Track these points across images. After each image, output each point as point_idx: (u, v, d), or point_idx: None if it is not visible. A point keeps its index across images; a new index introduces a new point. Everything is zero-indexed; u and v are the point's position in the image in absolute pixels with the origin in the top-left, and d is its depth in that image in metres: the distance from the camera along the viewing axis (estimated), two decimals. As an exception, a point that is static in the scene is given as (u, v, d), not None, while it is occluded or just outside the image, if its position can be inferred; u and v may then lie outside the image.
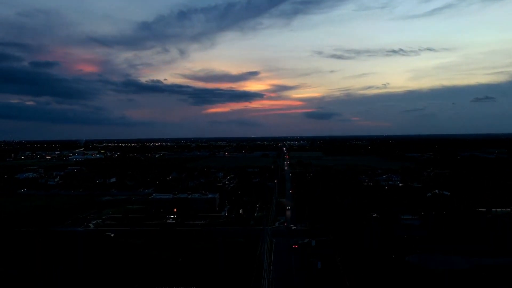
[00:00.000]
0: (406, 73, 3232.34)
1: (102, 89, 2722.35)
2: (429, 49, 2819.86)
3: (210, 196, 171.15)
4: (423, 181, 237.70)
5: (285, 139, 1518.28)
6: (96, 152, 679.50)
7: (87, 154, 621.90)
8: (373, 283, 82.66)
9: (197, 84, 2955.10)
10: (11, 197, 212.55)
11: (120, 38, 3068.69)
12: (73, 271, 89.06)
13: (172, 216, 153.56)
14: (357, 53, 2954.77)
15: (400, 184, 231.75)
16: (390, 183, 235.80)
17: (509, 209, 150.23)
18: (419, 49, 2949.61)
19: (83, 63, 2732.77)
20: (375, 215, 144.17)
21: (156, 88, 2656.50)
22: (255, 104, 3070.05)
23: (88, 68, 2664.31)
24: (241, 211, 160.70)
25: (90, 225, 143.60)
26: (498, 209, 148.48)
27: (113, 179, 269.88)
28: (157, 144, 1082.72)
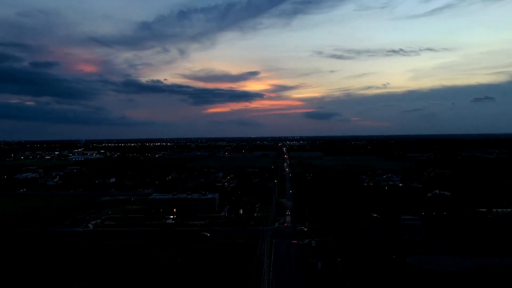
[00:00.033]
0: (406, 73, 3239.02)
1: (102, 89, 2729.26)
2: (429, 49, 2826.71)
3: (209, 196, 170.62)
4: (423, 181, 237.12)
5: (285, 139, 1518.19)
6: (96, 152, 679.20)
7: (86, 154, 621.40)
8: (373, 284, 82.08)
9: (197, 84, 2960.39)
10: (10, 197, 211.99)
11: (120, 38, 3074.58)
12: (72, 272, 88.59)
13: (172, 217, 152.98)
14: (357, 53, 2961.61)
15: (400, 184, 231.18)
16: (390, 183, 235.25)
17: (509, 210, 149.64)
18: (419, 49, 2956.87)
19: (83, 63, 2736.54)
20: (375, 215, 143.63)
21: (156, 88, 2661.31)
22: (255, 104, 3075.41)
23: (88, 68, 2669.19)
24: (241, 211, 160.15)
25: (89, 225, 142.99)
26: (498, 210, 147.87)
27: (113, 179, 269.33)
28: (157, 144, 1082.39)
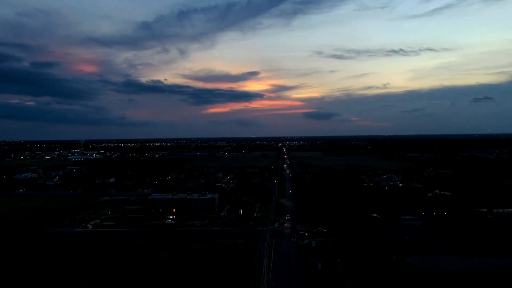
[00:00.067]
0: (406, 73, 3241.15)
1: (103, 89, 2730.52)
2: (429, 49, 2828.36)
3: (209, 196, 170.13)
4: (423, 181, 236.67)
5: (285, 139, 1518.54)
6: (96, 152, 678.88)
7: (86, 154, 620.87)
8: (374, 284, 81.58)
9: (197, 84, 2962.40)
10: (9, 197, 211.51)
11: (120, 38, 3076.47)
12: (71, 272, 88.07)
13: (171, 217, 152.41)
14: (357, 53, 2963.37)
15: (401, 185, 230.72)
16: (390, 183, 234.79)
17: (510, 210, 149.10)
18: (419, 49, 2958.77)
19: (83, 63, 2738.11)
20: (375, 215, 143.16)
21: (156, 88, 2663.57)
22: (255, 104, 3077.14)
23: (88, 68, 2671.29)
24: (241, 211, 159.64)
25: (89, 225, 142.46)
26: (499, 210, 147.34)
27: (112, 180, 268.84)
28: (156, 144, 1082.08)
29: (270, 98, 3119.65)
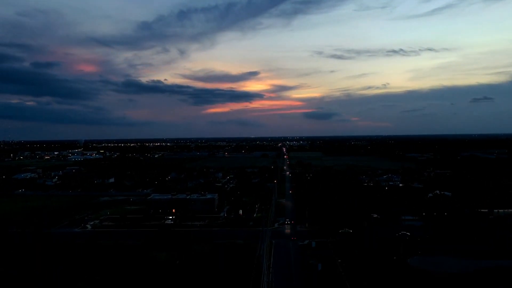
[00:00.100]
0: (406, 73, 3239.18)
1: (103, 89, 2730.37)
2: (429, 49, 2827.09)
3: (209, 196, 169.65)
4: (423, 182, 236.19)
5: (285, 139, 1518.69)
6: (95, 152, 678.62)
7: (86, 154, 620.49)
8: (374, 285, 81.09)
9: (197, 84, 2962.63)
10: (8, 197, 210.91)
11: (120, 38, 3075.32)
12: (70, 273, 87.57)
13: (171, 217, 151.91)
14: (357, 53, 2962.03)
15: (401, 185, 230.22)
16: (390, 183, 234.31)
17: (511, 210, 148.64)
18: (419, 49, 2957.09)
19: (83, 63, 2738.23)
20: (375, 216, 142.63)
21: (156, 88, 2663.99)
22: (255, 104, 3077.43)
23: (88, 68, 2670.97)
24: (240, 211, 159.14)
25: (88, 226, 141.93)
26: (500, 210, 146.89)
27: (112, 180, 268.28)
28: (156, 144, 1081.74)
29: (270, 98, 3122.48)
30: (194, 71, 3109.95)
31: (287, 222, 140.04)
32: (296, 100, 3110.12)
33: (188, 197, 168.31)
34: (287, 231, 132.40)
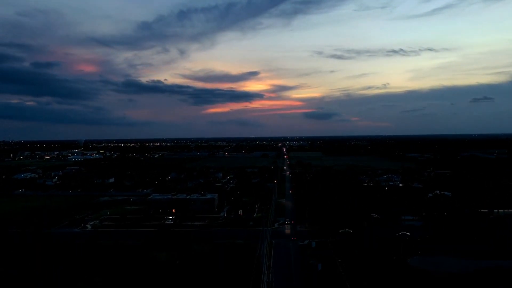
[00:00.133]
0: (406, 73, 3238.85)
1: (103, 89, 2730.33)
2: (429, 49, 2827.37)
3: (209, 196, 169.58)
4: (423, 182, 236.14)
5: (284, 139, 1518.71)
6: (95, 152, 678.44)
7: (86, 154, 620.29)
8: (374, 286, 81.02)
9: (197, 84, 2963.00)
10: (8, 197, 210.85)
11: (120, 38, 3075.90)
12: (69, 273, 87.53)
13: (171, 217, 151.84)
14: (357, 53, 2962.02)
15: (401, 185, 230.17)
16: (390, 183, 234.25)
17: (511, 210, 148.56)
18: (419, 49, 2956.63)
19: (83, 63, 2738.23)
20: (375, 216, 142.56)
21: (156, 88, 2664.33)
22: (255, 104, 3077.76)
23: (88, 68, 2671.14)
24: (240, 212, 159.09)
25: (88, 226, 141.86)
26: (500, 210, 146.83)
27: (112, 180, 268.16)
28: (156, 144, 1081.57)
29: (270, 98, 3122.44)
30: (194, 71, 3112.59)
31: (287, 222, 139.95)
32: (296, 100, 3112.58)
33: (188, 197, 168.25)
34: (287, 231, 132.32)
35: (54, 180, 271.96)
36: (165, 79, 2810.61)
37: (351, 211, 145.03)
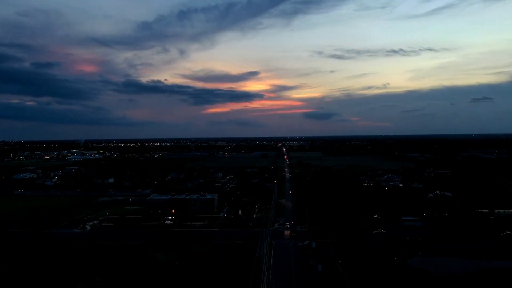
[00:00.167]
0: (406, 73, 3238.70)
1: (103, 89, 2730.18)
2: (429, 49, 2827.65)
3: (208, 197, 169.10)
4: (423, 182, 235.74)
5: (284, 139, 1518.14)
6: (95, 152, 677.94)
7: (86, 154, 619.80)
8: (375, 287, 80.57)
9: (197, 84, 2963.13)
10: (8, 197, 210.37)
11: (120, 38, 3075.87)
12: (68, 274, 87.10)
13: (170, 217, 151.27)
14: (357, 53, 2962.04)
15: (401, 185, 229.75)
16: (390, 183, 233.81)
17: (511, 211, 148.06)
18: (419, 49, 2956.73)
19: (83, 63, 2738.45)
20: (375, 216, 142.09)
21: (156, 88, 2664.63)
22: (255, 104, 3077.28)
23: (88, 68, 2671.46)
24: (240, 212, 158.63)
25: (87, 226, 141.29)
26: (500, 211, 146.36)
27: (111, 180, 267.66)
28: (156, 144, 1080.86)
29: (270, 98, 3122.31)
30: (194, 71, 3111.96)
31: (287, 224, 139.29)
32: (296, 100, 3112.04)
33: (187, 198, 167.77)
34: (287, 231, 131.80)
35: (53, 180, 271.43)
36: (165, 79, 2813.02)
37: (351, 211, 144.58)
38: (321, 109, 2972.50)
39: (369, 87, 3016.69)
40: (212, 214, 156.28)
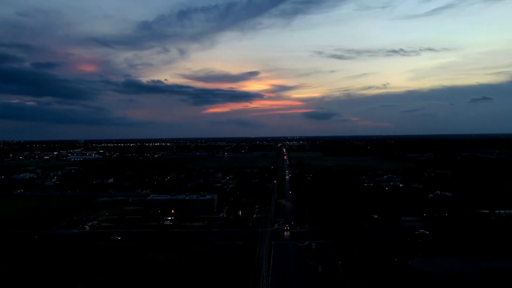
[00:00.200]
0: (406, 73, 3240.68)
1: (103, 89, 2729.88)
2: (429, 49, 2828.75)
3: (208, 197, 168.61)
4: (424, 182, 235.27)
5: (284, 139, 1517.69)
6: (95, 152, 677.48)
7: (85, 154, 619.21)
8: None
9: (197, 84, 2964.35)
10: (7, 197, 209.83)
11: (120, 38, 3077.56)
12: (66, 275, 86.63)
13: (170, 218, 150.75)
14: (357, 53, 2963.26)
15: (401, 185, 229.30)
16: (390, 183, 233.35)
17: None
18: (420, 49, 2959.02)
19: (83, 63, 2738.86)
20: (376, 216, 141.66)
21: (157, 88, 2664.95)
22: (255, 104, 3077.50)
23: (89, 68, 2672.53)
24: (240, 212, 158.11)
25: (86, 226, 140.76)
26: (501, 211, 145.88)
27: (111, 180, 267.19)
28: (156, 144, 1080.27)
29: (270, 98, 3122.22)
30: (194, 71, 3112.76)
31: (287, 225, 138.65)
32: (296, 100, 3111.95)
33: (187, 198, 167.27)
34: (287, 232, 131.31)
35: (53, 181, 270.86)
36: (165, 79, 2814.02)
37: (351, 211, 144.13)
38: (321, 109, 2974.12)
39: (369, 87, 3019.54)
40: (212, 215, 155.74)
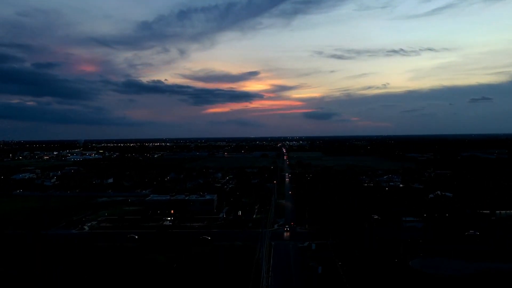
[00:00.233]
0: (406, 73, 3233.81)
1: (103, 89, 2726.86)
2: (430, 49, 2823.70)
3: (208, 197, 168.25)
4: (424, 182, 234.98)
5: (284, 139, 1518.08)
6: (95, 152, 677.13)
7: (85, 154, 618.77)
8: (375, 288, 79.75)
9: (197, 84, 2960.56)
10: (6, 198, 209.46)
11: (120, 38, 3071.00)
12: (64, 276, 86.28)
13: (169, 218, 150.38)
14: (357, 53, 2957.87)
15: (401, 185, 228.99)
16: (391, 184, 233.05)
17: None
18: (420, 49, 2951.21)
19: (83, 63, 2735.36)
20: (376, 217, 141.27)
21: (156, 88, 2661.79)
22: (255, 104, 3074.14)
23: (89, 68, 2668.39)
24: (240, 212, 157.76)
25: (85, 227, 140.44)
26: (502, 211, 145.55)
27: (111, 180, 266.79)
28: (156, 144, 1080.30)
29: (270, 98, 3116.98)
30: (194, 71, 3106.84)
31: (287, 226, 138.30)
32: (296, 100, 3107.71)
33: (187, 198, 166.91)
34: (287, 232, 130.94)
35: (52, 181, 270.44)
36: (165, 79, 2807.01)
37: (351, 212, 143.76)
38: (321, 109, 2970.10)
39: (369, 87, 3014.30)
40: (212, 215, 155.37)
